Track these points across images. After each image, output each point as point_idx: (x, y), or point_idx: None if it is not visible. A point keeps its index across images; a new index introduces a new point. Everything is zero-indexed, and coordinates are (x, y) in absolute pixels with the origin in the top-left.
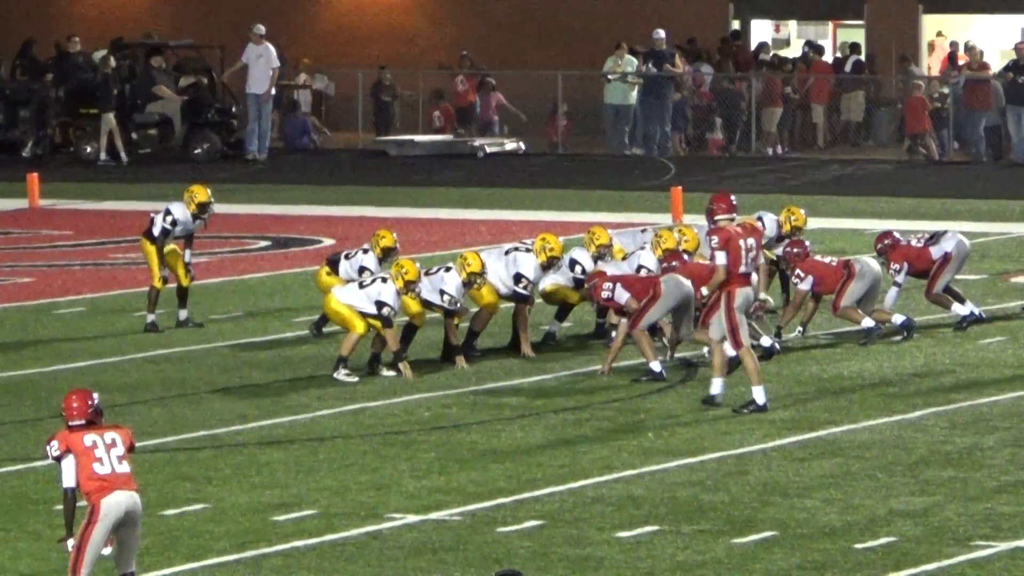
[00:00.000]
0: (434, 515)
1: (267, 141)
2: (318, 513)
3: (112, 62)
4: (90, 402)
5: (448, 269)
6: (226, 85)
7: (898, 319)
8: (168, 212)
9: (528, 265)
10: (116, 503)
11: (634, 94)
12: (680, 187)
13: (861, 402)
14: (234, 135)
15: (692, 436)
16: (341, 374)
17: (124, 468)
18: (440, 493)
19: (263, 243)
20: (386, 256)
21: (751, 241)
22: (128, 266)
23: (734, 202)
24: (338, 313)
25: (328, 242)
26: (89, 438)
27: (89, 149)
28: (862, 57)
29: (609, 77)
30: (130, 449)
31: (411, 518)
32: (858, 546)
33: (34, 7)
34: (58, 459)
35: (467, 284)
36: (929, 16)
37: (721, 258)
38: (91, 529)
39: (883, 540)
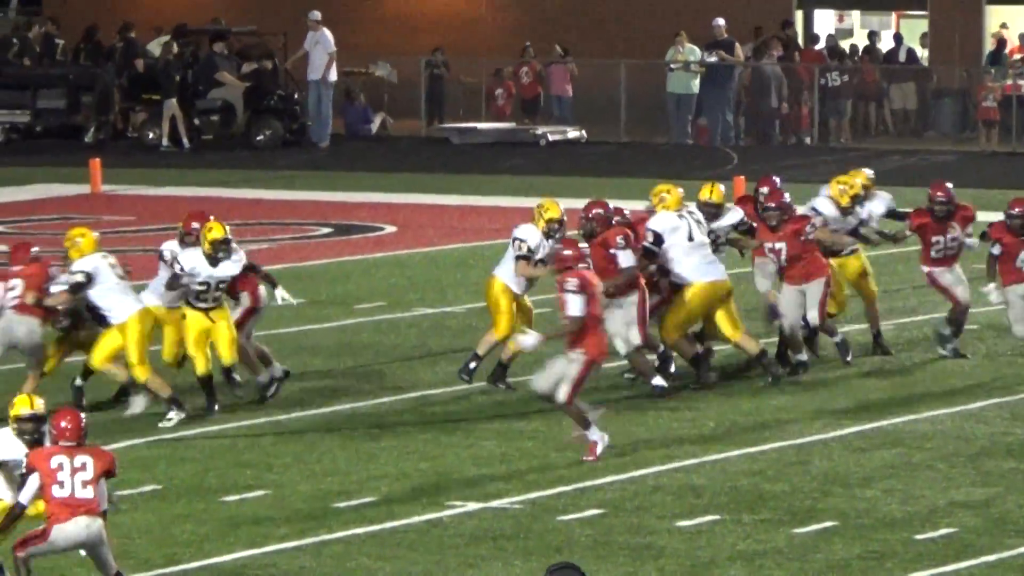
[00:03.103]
0: (495, 503)
1: (328, 127)
2: (378, 500)
3: (175, 48)
4: (82, 424)
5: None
6: (289, 72)
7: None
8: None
9: (526, 230)
10: (66, 536)
11: (696, 83)
12: (743, 176)
13: (922, 393)
14: (296, 122)
15: (753, 426)
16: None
17: (87, 493)
18: (501, 481)
19: (325, 230)
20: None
21: None
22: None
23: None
24: (496, 303)
25: (390, 229)
26: (56, 459)
27: (151, 135)
28: (914, 47)
29: (672, 66)
30: (107, 475)
31: (471, 506)
32: (919, 537)
33: None
34: (24, 476)
35: (548, 235)
36: (992, 7)
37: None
38: (36, 543)
39: (944, 531)
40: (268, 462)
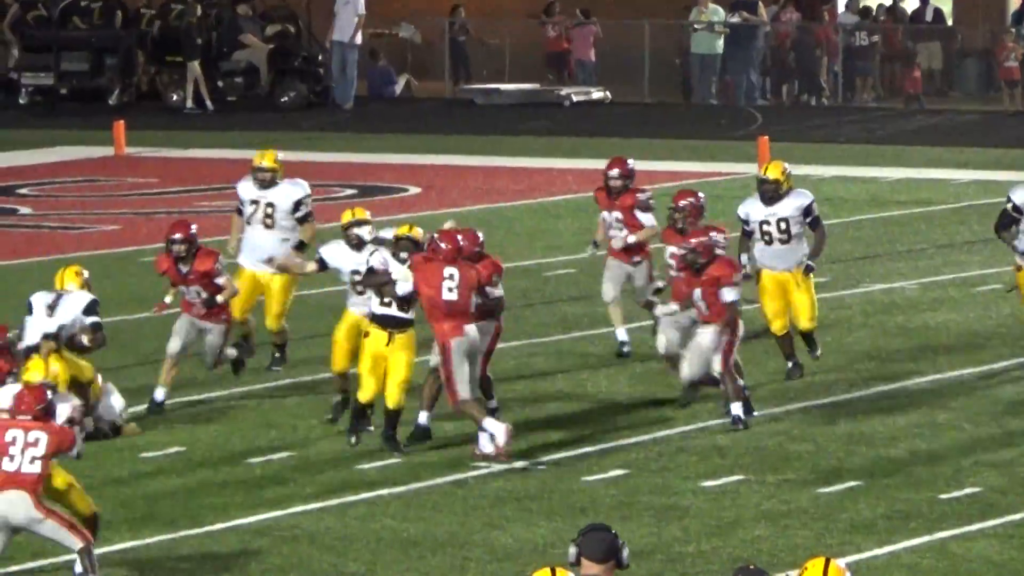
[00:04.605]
0: (519, 464)
1: (353, 89)
2: (403, 461)
3: (198, 10)
4: (42, 399)
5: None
6: (312, 34)
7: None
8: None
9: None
10: None
11: (720, 43)
12: (767, 136)
13: (947, 352)
14: (320, 83)
15: (778, 386)
16: None
17: (33, 468)
18: (525, 442)
19: (349, 191)
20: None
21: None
22: (213, 214)
23: None
24: None
25: (414, 190)
26: (11, 433)
27: (175, 97)
28: (941, 6)
29: (695, 27)
30: (64, 448)
31: (496, 467)
32: (943, 496)
33: None
34: None
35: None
36: None
37: None
38: None
39: (968, 490)
40: (293, 423)
